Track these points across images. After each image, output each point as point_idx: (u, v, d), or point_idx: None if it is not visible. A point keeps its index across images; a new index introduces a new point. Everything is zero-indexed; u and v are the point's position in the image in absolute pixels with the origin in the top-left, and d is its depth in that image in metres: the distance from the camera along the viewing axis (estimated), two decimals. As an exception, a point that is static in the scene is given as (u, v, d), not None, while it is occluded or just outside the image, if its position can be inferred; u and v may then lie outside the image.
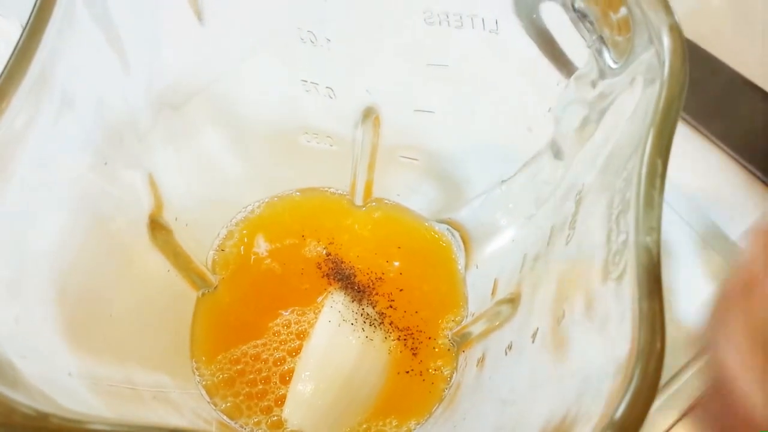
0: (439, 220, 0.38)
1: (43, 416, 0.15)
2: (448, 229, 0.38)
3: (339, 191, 0.39)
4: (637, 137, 0.19)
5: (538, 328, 0.24)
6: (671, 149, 0.18)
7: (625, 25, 0.22)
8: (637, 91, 0.21)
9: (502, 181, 0.33)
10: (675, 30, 0.20)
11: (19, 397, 0.15)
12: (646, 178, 0.18)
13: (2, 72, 0.19)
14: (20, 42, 0.20)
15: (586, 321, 0.20)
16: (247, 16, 0.30)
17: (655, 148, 0.18)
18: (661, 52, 0.20)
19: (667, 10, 0.20)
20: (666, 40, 0.20)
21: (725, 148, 0.42)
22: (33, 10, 0.20)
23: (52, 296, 0.22)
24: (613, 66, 0.23)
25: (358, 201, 0.38)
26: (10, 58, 0.19)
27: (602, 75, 0.24)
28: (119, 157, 0.27)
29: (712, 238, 0.39)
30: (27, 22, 0.20)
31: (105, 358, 0.25)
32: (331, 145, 0.36)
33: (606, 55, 0.23)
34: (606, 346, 0.18)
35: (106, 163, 0.26)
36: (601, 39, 0.23)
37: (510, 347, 0.27)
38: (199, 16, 0.29)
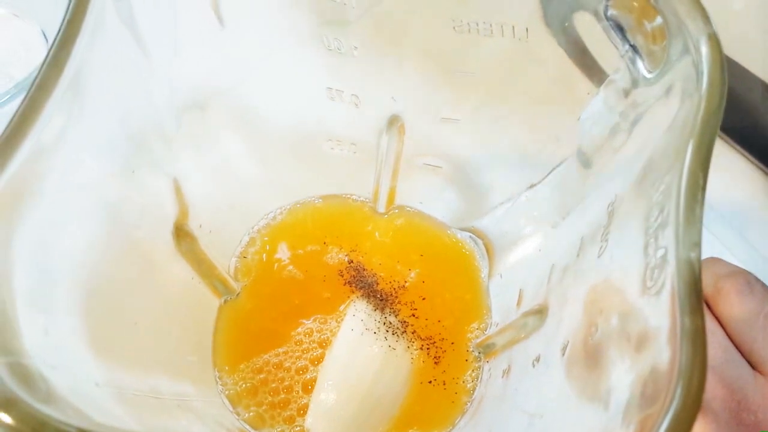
0: (462, 227, 0.37)
1: (77, 431, 0.14)
2: (471, 236, 0.37)
3: (361, 198, 0.39)
4: (674, 149, 0.19)
5: (568, 342, 0.24)
6: (710, 162, 0.18)
7: (660, 34, 0.21)
8: (674, 102, 0.21)
9: (528, 188, 0.33)
10: (713, 39, 0.19)
11: (53, 412, 0.15)
12: (687, 191, 0.17)
13: (34, 81, 0.19)
14: (52, 50, 0.19)
15: (621, 336, 0.20)
16: (270, 23, 0.30)
17: (695, 160, 0.18)
18: (698, 61, 0.19)
19: (705, 18, 0.20)
20: (704, 50, 0.19)
21: (746, 153, 0.42)
22: (64, 18, 0.20)
23: (79, 306, 0.22)
24: (648, 75, 0.22)
25: (381, 208, 0.38)
26: (40, 69, 0.19)
27: (635, 84, 0.23)
28: (145, 164, 0.27)
29: (733, 245, 0.39)
30: (58, 31, 0.20)
31: (130, 367, 0.25)
32: (354, 152, 0.35)
33: (640, 64, 0.23)
34: (643, 363, 0.18)
35: (133, 171, 0.25)
36: (635, 48, 0.23)
37: (538, 360, 0.27)
38: (220, 19, 0.28)
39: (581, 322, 0.23)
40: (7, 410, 0.14)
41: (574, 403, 0.22)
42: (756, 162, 0.42)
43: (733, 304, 0.27)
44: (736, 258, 0.37)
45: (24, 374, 0.16)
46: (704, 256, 0.31)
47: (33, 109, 0.18)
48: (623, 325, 0.20)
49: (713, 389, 0.25)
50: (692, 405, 0.15)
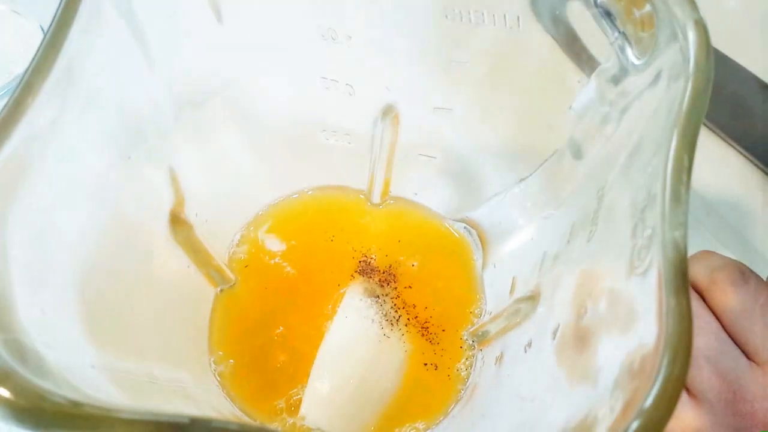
0: (457, 218, 0.38)
1: (75, 404, 0.15)
2: (465, 227, 0.38)
3: (356, 189, 0.39)
4: (661, 133, 0.19)
5: (559, 325, 0.24)
6: (696, 145, 0.18)
7: (649, 21, 0.22)
8: (661, 88, 0.21)
9: (521, 180, 0.33)
10: (700, 25, 0.20)
11: (48, 386, 0.15)
12: (672, 173, 0.18)
13: (29, 67, 0.19)
14: (47, 36, 0.20)
15: (610, 317, 0.20)
16: (267, 14, 0.30)
17: (681, 143, 0.18)
18: (685, 47, 0.20)
19: (692, 5, 0.20)
20: (691, 35, 0.20)
21: (741, 149, 0.42)
22: (60, 5, 0.20)
23: (75, 289, 0.22)
24: (636, 62, 0.23)
25: (376, 199, 0.38)
26: (36, 53, 0.19)
27: (624, 72, 0.24)
28: (141, 153, 0.27)
29: (727, 240, 0.39)
30: (54, 17, 0.20)
31: (125, 352, 0.25)
32: (349, 143, 0.36)
33: (629, 51, 0.23)
34: (630, 341, 0.18)
35: (129, 158, 0.26)
36: (624, 35, 0.23)
37: (530, 345, 0.27)
38: (217, 14, 0.29)
39: (571, 305, 0.24)
40: (4, 384, 0.15)
41: (565, 386, 0.22)
42: (752, 158, 0.42)
43: (728, 295, 0.27)
44: (733, 256, 0.37)
45: (20, 350, 0.16)
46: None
47: (28, 93, 0.18)
48: (612, 306, 0.20)
49: (709, 380, 0.26)
50: (677, 379, 0.16)
